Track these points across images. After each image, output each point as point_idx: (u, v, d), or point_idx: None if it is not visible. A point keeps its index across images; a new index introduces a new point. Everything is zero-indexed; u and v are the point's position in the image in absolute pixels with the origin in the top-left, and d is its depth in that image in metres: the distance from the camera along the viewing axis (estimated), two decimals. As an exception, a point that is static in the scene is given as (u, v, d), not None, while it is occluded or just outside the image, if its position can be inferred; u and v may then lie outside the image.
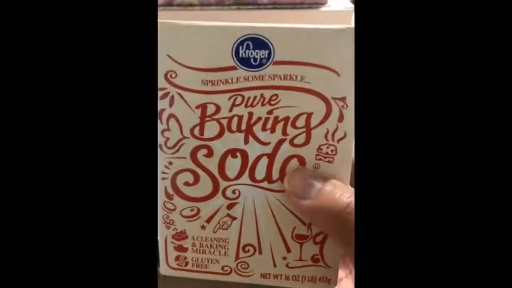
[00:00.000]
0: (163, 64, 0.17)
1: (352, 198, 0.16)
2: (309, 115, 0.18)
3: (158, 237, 0.20)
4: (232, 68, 0.17)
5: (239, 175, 0.19)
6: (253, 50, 0.17)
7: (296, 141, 0.18)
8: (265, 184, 0.19)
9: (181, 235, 0.20)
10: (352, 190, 0.17)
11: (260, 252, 0.20)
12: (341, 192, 0.17)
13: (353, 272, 0.23)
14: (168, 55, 0.17)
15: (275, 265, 0.20)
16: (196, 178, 0.19)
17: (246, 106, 0.18)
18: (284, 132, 0.18)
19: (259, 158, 0.18)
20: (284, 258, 0.20)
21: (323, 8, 0.41)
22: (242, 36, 0.17)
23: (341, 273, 0.22)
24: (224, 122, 0.18)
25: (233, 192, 0.19)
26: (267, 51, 0.17)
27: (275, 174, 0.19)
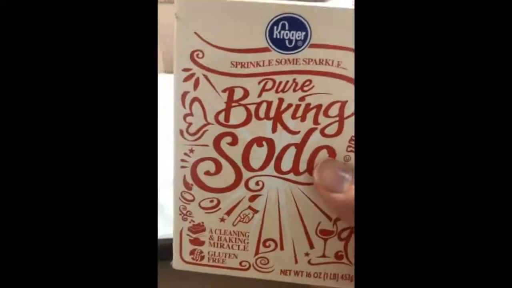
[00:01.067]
0: (189, 43, 0.16)
1: None
2: (343, 104, 0.16)
3: (173, 229, 0.19)
4: (265, 49, 0.16)
5: (264, 165, 0.18)
6: (288, 31, 0.16)
7: (327, 131, 0.17)
8: (291, 176, 0.18)
9: (198, 228, 0.19)
10: None
11: (282, 248, 0.19)
12: None
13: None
14: (196, 33, 0.16)
15: (296, 261, 0.19)
16: (218, 168, 0.18)
17: (276, 91, 0.16)
18: (315, 121, 0.17)
19: (286, 148, 0.17)
20: (307, 254, 0.19)
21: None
22: (278, 15, 0.15)
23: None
24: (252, 108, 0.17)
25: (257, 183, 0.18)
26: (303, 33, 0.16)
27: (302, 166, 0.17)
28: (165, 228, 0.33)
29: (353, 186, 0.16)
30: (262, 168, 0.18)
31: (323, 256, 0.19)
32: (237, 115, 0.17)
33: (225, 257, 0.19)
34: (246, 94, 0.16)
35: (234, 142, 0.17)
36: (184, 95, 0.17)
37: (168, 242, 0.30)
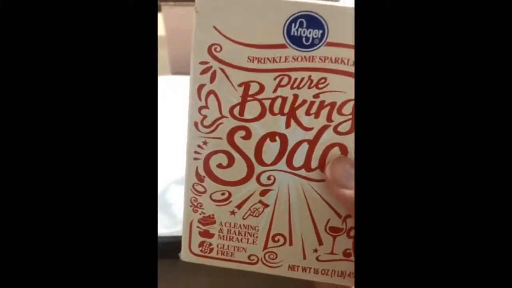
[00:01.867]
0: (207, 36, 0.16)
1: None
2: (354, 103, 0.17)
3: (183, 221, 0.19)
4: (282, 46, 0.16)
5: (276, 160, 0.18)
6: (306, 29, 0.16)
7: (340, 129, 0.17)
8: (302, 172, 0.18)
9: (208, 220, 0.19)
10: None
11: (291, 243, 0.19)
12: None
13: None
14: (215, 27, 0.16)
15: (304, 257, 0.19)
16: (231, 161, 0.18)
17: (292, 87, 0.17)
18: (329, 118, 0.17)
19: (299, 144, 0.17)
20: (315, 250, 0.19)
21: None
22: (296, 13, 0.16)
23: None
24: (267, 103, 0.17)
25: (268, 178, 0.18)
26: (320, 31, 0.16)
27: (314, 162, 0.18)
28: (172, 226, 0.34)
29: None
30: (274, 163, 0.18)
31: (332, 253, 0.19)
32: (252, 109, 0.17)
33: (234, 250, 0.19)
34: (261, 89, 0.17)
35: (248, 136, 0.17)
36: (200, 87, 0.17)
37: (174, 240, 0.31)
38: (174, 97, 0.44)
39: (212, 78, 0.17)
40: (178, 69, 0.57)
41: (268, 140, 0.17)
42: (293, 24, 0.16)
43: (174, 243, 0.30)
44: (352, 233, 0.19)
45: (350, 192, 0.17)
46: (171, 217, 0.34)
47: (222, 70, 0.17)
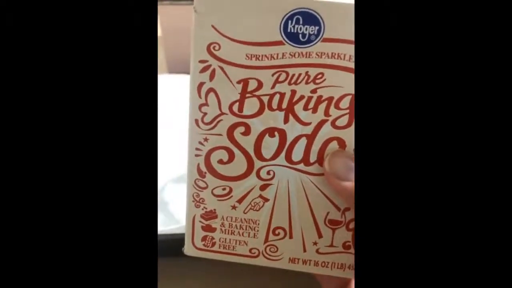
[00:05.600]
0: (206, 35, 0.17)
1: None
2: (354, 97, 0.17)
3: (185, 216, 0.20)
4: (279, 43, 0.16)
5: (275, 155, 0.18)
6: (302, 25, 0.16)
7: (338, 123, 0.17)
8: (301, 166, 0.18)
9: (210, 215, 0.19)
10: None
11: (291, 236, 0.19)
12: None
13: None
14: (213, 26, 0.16)
15: (305, 250, 0.19)
16: (231, 157, 0.18)
17: (289, 83, 0.17)
18: (327, 113, 0.17)
19: (297, 138, 0.18)
20: (315, 243, 0.19)
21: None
22: (293, 10, 0.16)
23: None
24: (265, 99, 0.17)
25: (268, 172, 0.18)
26: (317, 27, 0.16)
27: (313, 156, 0.18)
28: (169, 224, 0.34)
29: None
30: (274, 158, 0.18)
31: (331, 245, 0.19)
32: (251, 105, 0.17)
33: (236, 244, 0.20)
34: (260, 85, 0.17)
35: (247, 132, 0.18)
36: (200, 85, 0.17)
37: (171, 238, 0.31)
38: (171, 96, 0.44)
39: (212, 76, 0.17)
40: (175, 68, 0.57)
41: (267, 135, 0.18)
42: (289, 21, 0.16)
43: (170, 241, 0.31)
44: (351, 225, 0.19)
45: (349, 185, 0.17)
46: (168, 215, 0.35)
47: (221, 68, 0.17)
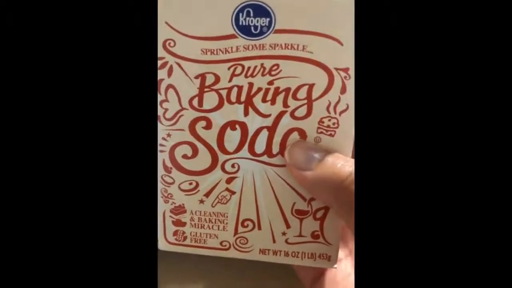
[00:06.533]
0: (161, 32, 0.17)
1: (353, 169, 0.16)
2: (311, 86, 0.17)
3: (158, 212, 0.20)
4: (232, 36, 0.17)
5: (239, 148, 0.18)
6: (253, 18, 0.16)
7: (297, 114, 0.17)
8: (265, 158, 0.18)
9: (179, 209, 0.20)
10: (353, 161, 0.16)
11: (260, 228, 0.19)
12: (343, 163, 0.16)
13: (353, 252, 0.23)
14: (167, 23, 0.17)
15: (274, 241, 0.20)
16: (195, 151, 0.19)
17: (246, 76, 0.17)
18: (285, 104, 0.17)
19: (259, 131, 0.18)
20: (284, 233, 0.19)
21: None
22: (243, 3, 0.16)
23: (341, 254, 0.22)
24: (224, 93, 0.17)
25: (232, 166, 0.19)
26: (268, 19, 0.16)
27: (275, 148, 0.18)
28: None
29: (322, 165, 0.17)
30: (237, 151, 0.18)
31: (300, 235, 0.19)
32: (210, 100, 0.18)
33: (207, 237, 0.20)
34: (217, 79, 0.17)
35: (209, 126, 0.18)
36: (160, 82, 0.18)
37: None
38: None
39: (170, 73, 0.17)
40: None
41: (228, 128, 0.18)
42: (240, 14, 0.16)
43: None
44: (318, 215, 0.19)
45: (310, 174, 0.17)
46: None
47: (178, 64, 0.17)
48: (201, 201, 0.19)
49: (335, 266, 0.20)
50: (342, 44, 0.16)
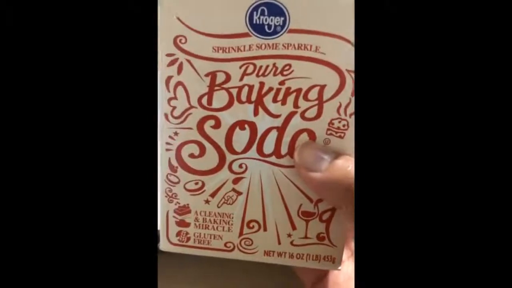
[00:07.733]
0: (172, 28, 0.17)
1: None
2: (322, 88, 0.17)
3: (159, 212, 0.20)
4: (245, 35, 0.16)
5: (247, 148, 0.18)
6: (267, 17, 0.16)
7: (307, 114, 0.17)
8: (273, 158, 0.18)
9: (183, 210, 0.19)
10: None
11: (265, 229, 0.19)
12: (352, 165, 0.16)
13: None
14: (179, 19, 0.16)
15: (279, 243, 0.19)
16: (202, 150, 0.18)
17: (257, 75, 0.17)
18: (296, 105, 0.17)
19: (268, 131, 0.18)
20: (289, 235, 0.19)
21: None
22: (257, 1, 0.16)
23: (343, 255, 0.22)
24: (234, 91, 0.17)
25: (240, 166, 0.18)
26: (282, 18, 0.16)
27: (284, 149, 0.18)
28: None
29: (332, 167, 0.17)
30: (245, 151, 0.18)
31: (305, 237, 0.19)
32: (220, 98, 0.17)
33: (211, 238, 0.20)
34: (228, 78, 0.17)
35: (217, 125, 0.18)
36: (168, 79, 0.17)
37: None
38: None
39: (179, 70, 0.17)
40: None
41: (237, 128, 0.18)
42: (254, 12, 0.16)
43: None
44: (325, 217, 0.19)
45: (318, 175, 0.17)
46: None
47: (189, 61, 0.17)
48: (207, 201, 0.19)
49: (339, 268, 0.20)
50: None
